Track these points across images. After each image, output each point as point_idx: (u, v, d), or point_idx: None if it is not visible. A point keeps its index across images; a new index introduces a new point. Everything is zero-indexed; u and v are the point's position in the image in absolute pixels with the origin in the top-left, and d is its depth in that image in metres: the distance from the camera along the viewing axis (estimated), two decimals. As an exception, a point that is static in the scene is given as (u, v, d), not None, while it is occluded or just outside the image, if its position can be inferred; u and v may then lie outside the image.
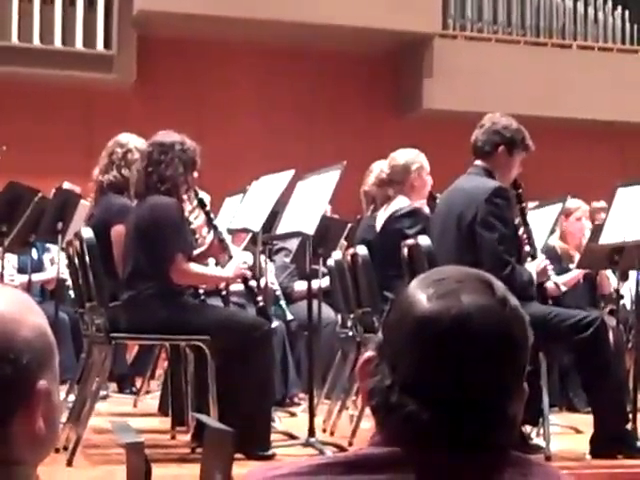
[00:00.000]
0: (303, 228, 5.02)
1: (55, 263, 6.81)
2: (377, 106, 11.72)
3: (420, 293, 1.36)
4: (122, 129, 5.82)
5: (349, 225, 6.92)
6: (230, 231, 5.70)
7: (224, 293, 5.77)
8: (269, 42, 11.10)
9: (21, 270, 7.11)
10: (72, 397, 5.08)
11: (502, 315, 1.35)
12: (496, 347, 1.33)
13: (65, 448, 4.38)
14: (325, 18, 10.61)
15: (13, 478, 1.24)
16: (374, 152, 6.73)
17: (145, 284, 4.61)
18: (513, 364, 1.35)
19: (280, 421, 5.60)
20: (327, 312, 6.83)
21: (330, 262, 6.37)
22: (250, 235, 6.30)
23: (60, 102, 10.75)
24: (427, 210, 5.74)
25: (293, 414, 6.30)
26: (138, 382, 7.20)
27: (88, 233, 4.70)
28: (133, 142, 5.53)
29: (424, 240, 4.76)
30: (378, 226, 5.79)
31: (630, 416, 4.81)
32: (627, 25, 12.16)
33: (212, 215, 5.27)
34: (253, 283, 5.04)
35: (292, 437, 4.97)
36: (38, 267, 7.37)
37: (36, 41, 10.50)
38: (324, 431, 5.52)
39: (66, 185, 7.12)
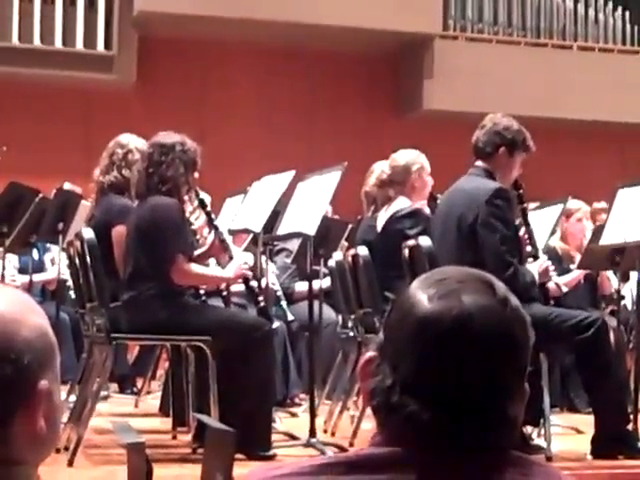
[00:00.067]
0: (304, 229, 5.02)
1: (56, 263, 6.80)
2: (377, 106, 11.71)
3: (421, 293, 1.36)
4: (122, 129, 5.82)
5: (350, 226, 6.91)
6: (231, 232, 5.69)
7: (225, 294, 5.77)
8: (270, 42, 11.10)
9: (22, 270, 7.12)
10: (73, 397, 5.07)
11: (503, 315, 1.35)
12: (497, 347, 1.33)
13: (66, 448, 4.38)
14: (326, 18, 10.61)
15: (14, 478, 1.24)
16: (374, 152, 6.73)
17: (146, 284, 4.61)
18: (514, 364, 1.35)
19: (281, 421, 5.60)
20: (328, 313, 6.83)
21: (331, 263, 6.36)
22: (251, 236, 6.29)
23: (60, 102, 10.74)
24: (428, 211, 5.74)
25: (294, 414, 6.30)
26: (139, 382, 7.20)
27: (89, 233, 4.70)
28: (134, 143, 5.53)
29: (425, 241, 4.76)
30: (379, 227, 5.78)
31: (631, 417, 4.81)
32: (627, 26, 12.15)
33: (213, 216, 5.27)
34: (254, 284, 5.04)
35: (293, 437, 4.97)
36: (39, 267, 7.39)
37: (36, 41, 10.49)
38: (325, 432, 5.52)
39: (67, 186, 7.11)
